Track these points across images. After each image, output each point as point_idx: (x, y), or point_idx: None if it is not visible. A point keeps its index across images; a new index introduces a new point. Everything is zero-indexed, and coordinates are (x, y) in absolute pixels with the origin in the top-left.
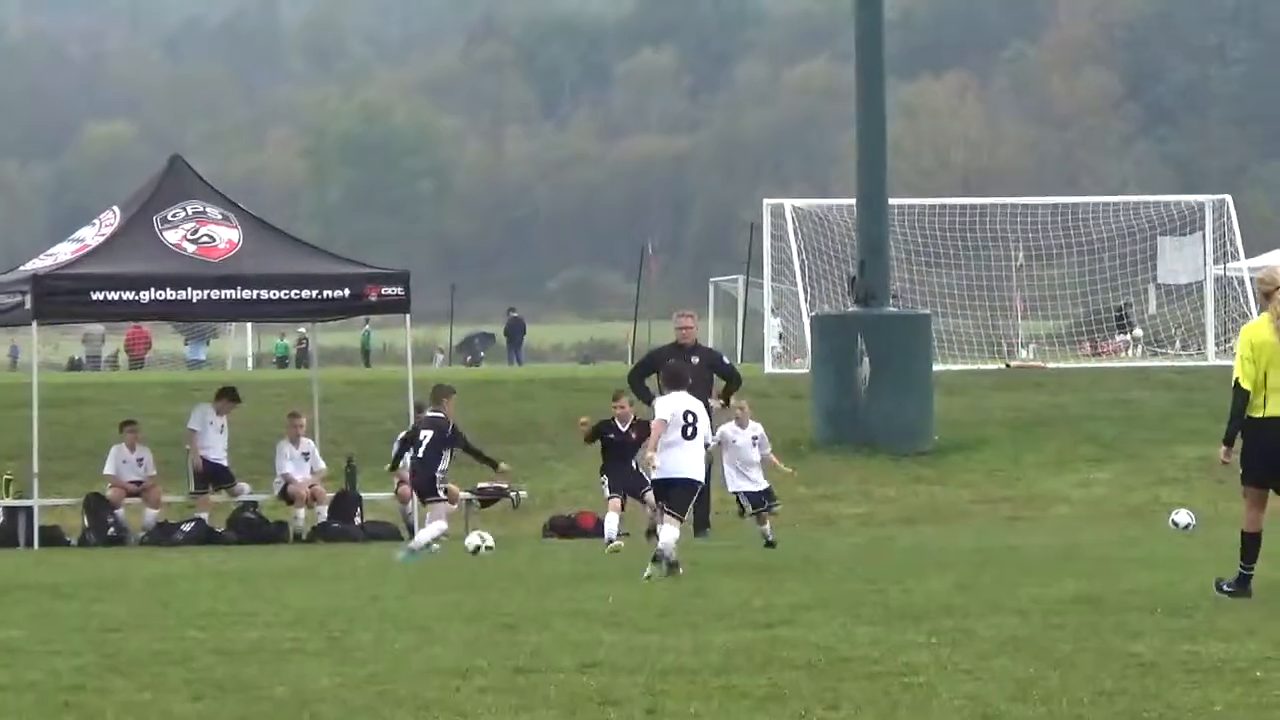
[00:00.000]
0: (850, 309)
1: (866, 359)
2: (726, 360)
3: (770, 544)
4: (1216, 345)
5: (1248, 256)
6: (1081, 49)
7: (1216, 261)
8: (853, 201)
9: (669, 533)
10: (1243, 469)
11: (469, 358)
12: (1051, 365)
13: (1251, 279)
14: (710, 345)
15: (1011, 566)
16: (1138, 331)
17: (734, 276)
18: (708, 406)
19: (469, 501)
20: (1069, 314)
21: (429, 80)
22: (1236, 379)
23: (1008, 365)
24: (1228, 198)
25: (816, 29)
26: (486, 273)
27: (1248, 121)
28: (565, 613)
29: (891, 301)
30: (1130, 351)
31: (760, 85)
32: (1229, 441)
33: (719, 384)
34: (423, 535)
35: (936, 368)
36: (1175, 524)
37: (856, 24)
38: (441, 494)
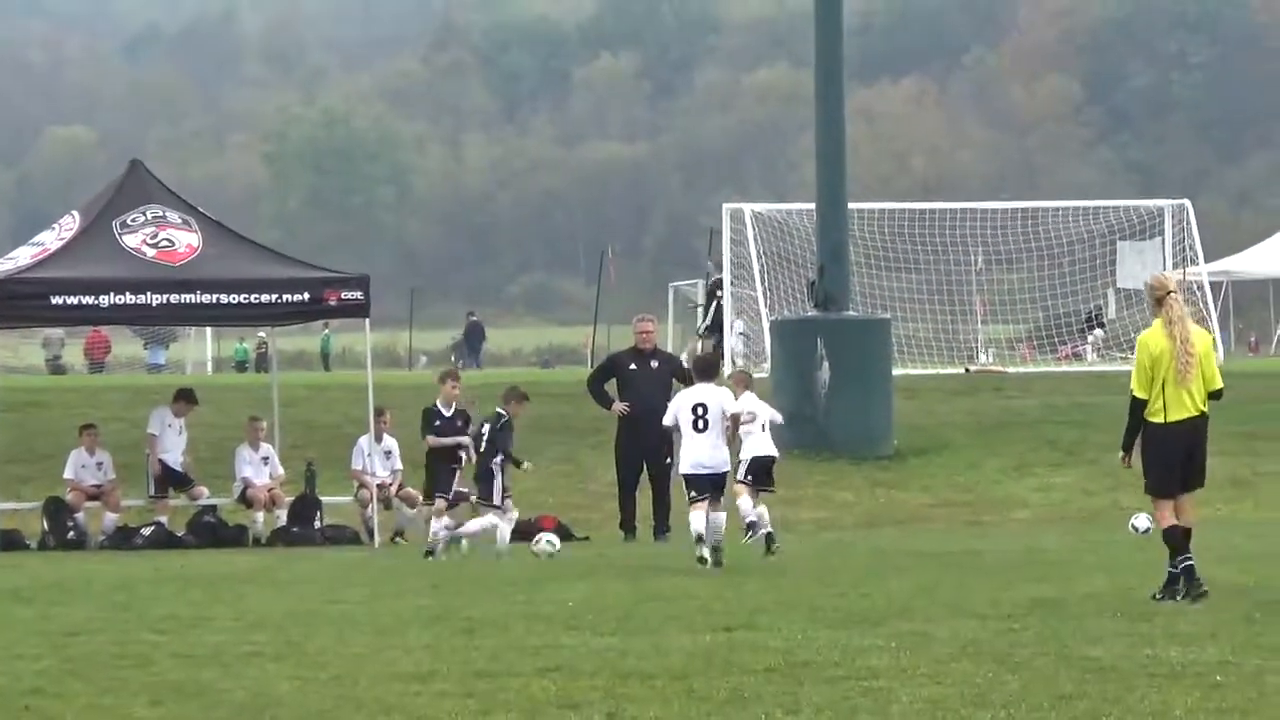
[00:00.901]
0: (810, 313)
1: (826, 363)
2: (686, 365)
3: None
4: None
5: (1207, 261)
6: (1042, 54)
7: (1176, 266)
8: (812, 206)
9: (698, 519)
10: (1147, 477)
11: (460, 361)
12: (1012, 370)
13: (1212, 284)
14: (670, 350)
15: (971, 570)
16: (1098, 332)
17: (694, 281)
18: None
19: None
20: (1029, 318)
21: (390, 86)
22: (1132, 388)
23: (968, 370)
24: (1187, 203)
25: (776, 35)
26: (446, 277)
27: (1208, 126)
28: (525, 616)
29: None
30: (1094, 355)
31: (720, 91)
32: (1127, 449)
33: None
34: (501, 532)
35: (896, 372)
36: (1135, 528)
37: (816, 29)
38: (496, 500)
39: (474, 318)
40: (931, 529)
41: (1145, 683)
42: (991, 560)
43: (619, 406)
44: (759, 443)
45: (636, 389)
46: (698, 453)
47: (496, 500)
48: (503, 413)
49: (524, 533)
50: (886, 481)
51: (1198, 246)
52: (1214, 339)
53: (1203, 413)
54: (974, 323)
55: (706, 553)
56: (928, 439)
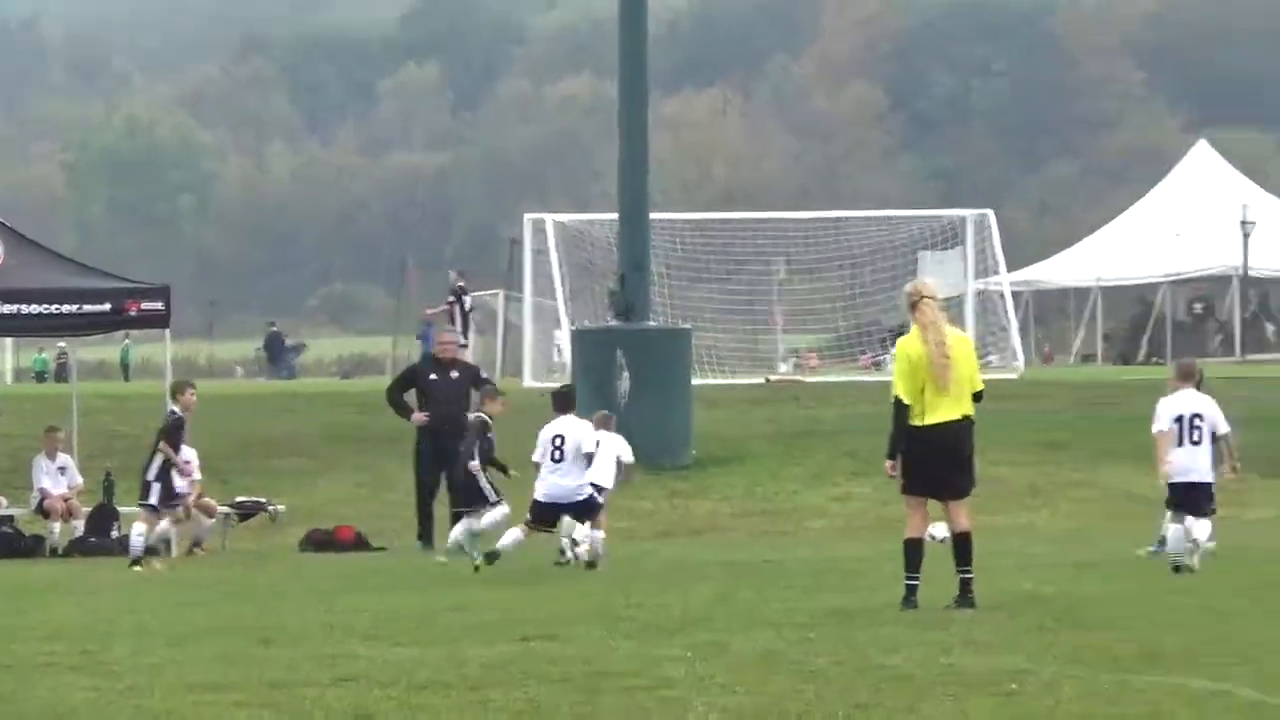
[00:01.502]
0: (610, 323)
1: (626, 373)
2: (484, 375)
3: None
4: (977, 359)
5: (1009, 270)
6: (845, 62)
7: (978, 275)
8: (614, 216)
9: (511, 534)
10: (904, 478)
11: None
12: (811, 379)
13: (1013, 293)
14: (470, 360)
15: (769, 580)
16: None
17: (495, 291)
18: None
19: (227, 515)
20: (830, 327)
21: (192, 95)
22: (896, 394)
23: (768, 380)
24: (989, 212)
25: (579, 45)
26: (247, 288)
27: (1010, 135)
28: (322, 626)
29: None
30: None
31: (523, 101)
32: (892, 455)
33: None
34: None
35: (696, 382)
36: (933, 537)
37: (619, 39)
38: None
39: (274, 328)
40: (730, 538)
41: (942, 691)
42: (789, 569)
43: (418, 417)
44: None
45: (436, 399)
46: (549, 483)
47: (492, 498)
48: (484, 416)
49: (319, 542)
50: (685, 491)
51: (999, 256)
52: (1014, 349)
53: (965, 416)
54: (775, 333)
55: (478, 558)
56: (727, 449)
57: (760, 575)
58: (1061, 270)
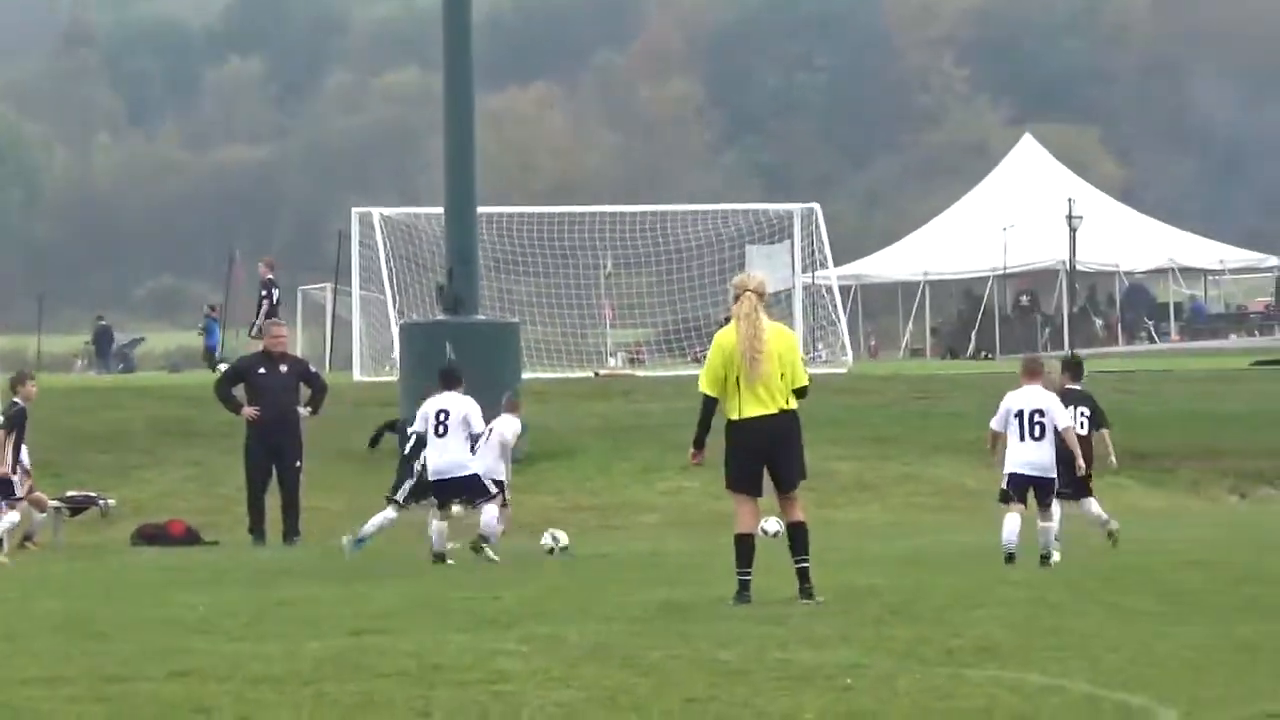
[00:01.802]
0: (438, 317)
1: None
2: (314, 369)
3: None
4: (805, 353)
5: (836, 265)
6: (669, 57)
7: (805, 270)
8: (441, 210)
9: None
10: (728, 474)
11: (120, 365)
12: (641, 373)
13: (841, 287)
14: (299, 354)
15: (602, 574)
16: None
17: (322, 285)
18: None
19: (58, 510)
20: (658, 322)
21: (15, 87)
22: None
23: (597, 374)
24: (816, 206)
25: (405, 37)
26: (75, 281)
27: (835, 130)
28: (155, 621)
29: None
30: None
31: (349, 93)
32: (696, 445)
33: (306, 392)
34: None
35: (526, 376)
36: (764, 531)
37: (444, 32)
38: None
39: (103, 322)
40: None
41: (776, 685)
42: (622, 563)
43: (248, 411)
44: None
45: (266, 393)
46: (436, 458)
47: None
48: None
49: (151, 537)
50: (516, 485)
51: (826, 250)
52: (843, 343)
53: (783, 410)
54: (603, 326)
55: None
56: (557, 443)
57: (592, 569)
58: (889, 264)
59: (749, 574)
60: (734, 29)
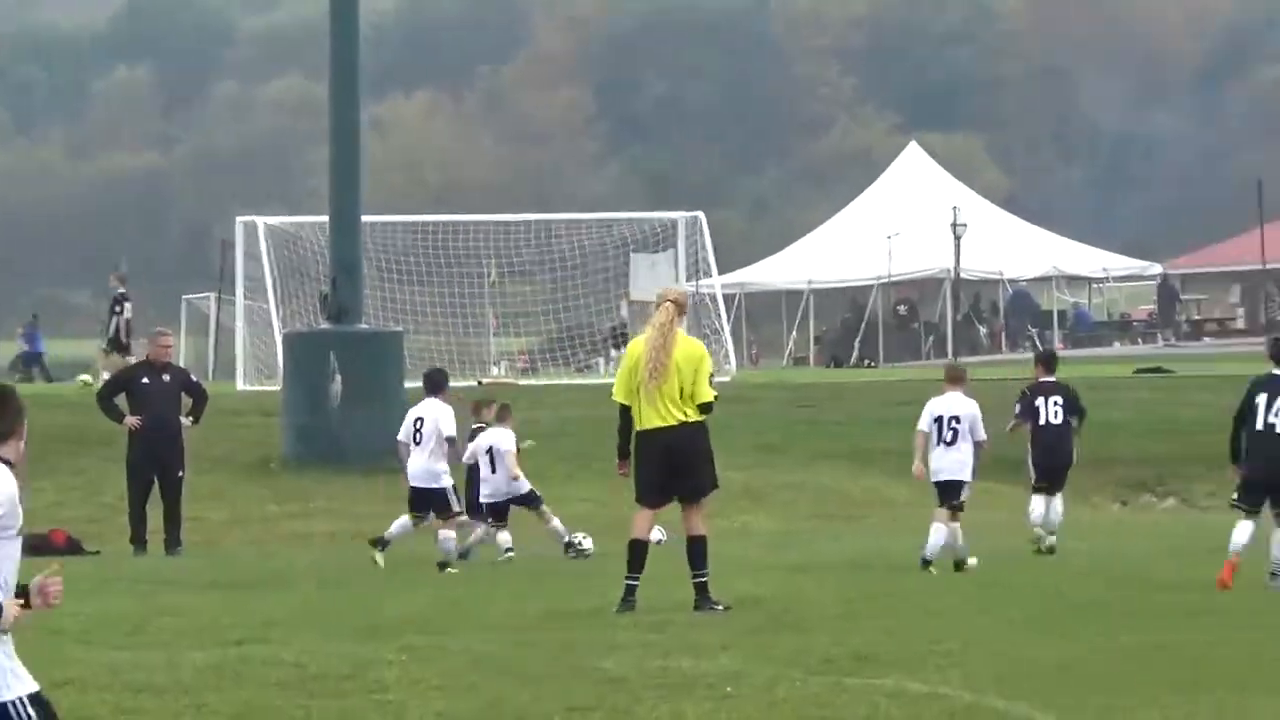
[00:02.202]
0: (322, 326)
1: (339, 376)
2: (195, 378)
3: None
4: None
5: (721, 273)
6: (556, 65)
7: (689, 278)
8: (326, 219)
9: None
10: (636, 484)
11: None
12: (525, 382)
13: (725, 295)
14: (182, 363)
15: (484, 583)
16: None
17: (206, 294)
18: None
19: None
20: (544, 330)
21: None
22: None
23: (480, 382)
24: (700, 214)
25: (291, 46)
26: None
27: (721, 138)
28: (36, 629)
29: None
30: (606, 369)
31: (234, 102)
32: (620, 455)
33: (188, 402)
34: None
35: (410, 384)
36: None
37: (331, 41)
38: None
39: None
40: None
41: (657, 694)
42: (504, 572)
43: (130, 420)
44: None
45: (148, 402)
46: (413, 466)
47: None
48: (480, 426)
49: (32, 546)
50: (399, 494)
51: (711, 258)
52: (727, 351)
53: (683, 422)
54: (487, 335)
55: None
56: None
57: (477, 578)
58: (774, 273)
59: (636, 580)
60: (621, 37)
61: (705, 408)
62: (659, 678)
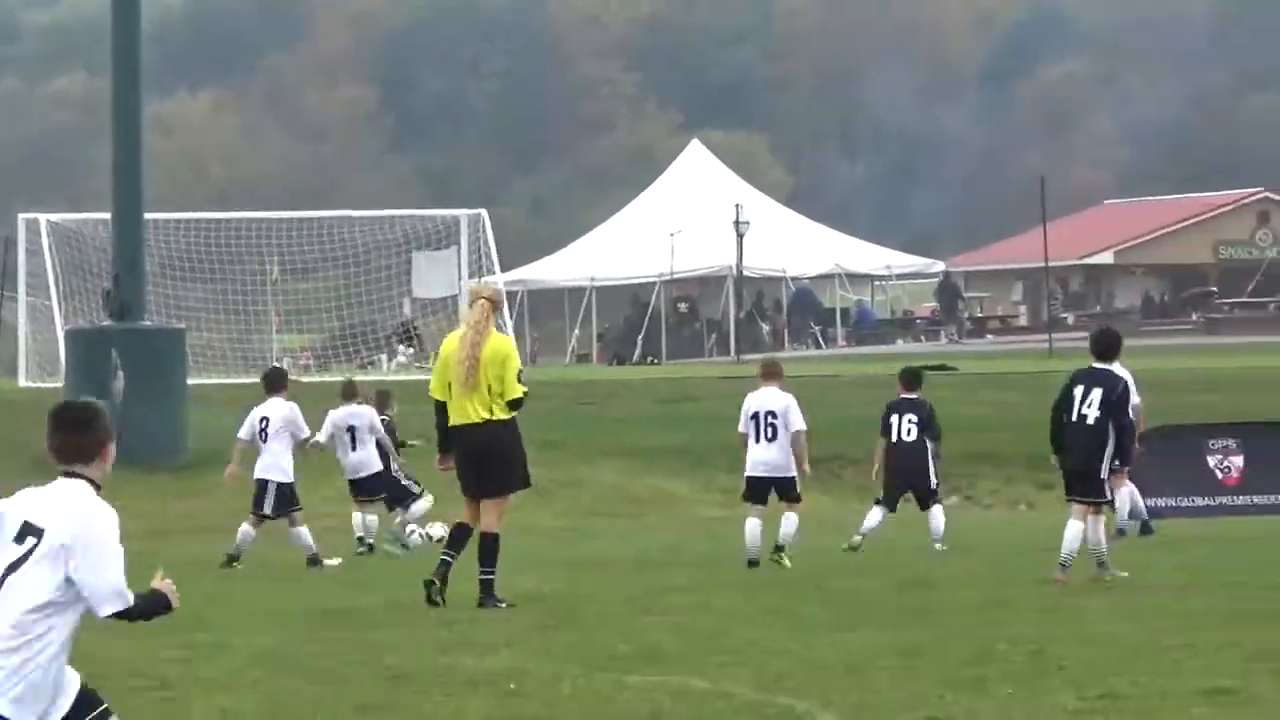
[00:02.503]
0: (105, 323)
1: (121, 373)
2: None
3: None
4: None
5: (504, 270)
6: (338, 62)
7: (472, 275)
8: (109, 216)
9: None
10: (458, 476)
11: None
12: (307, 379)
13: (508, 292)
14: None
15: (267, 579)
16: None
17: None
18: None
19: None
20: (325, 328)
21: None
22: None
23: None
24: (483, 212)
25: (72, 42)
26: None
27: (502, 135)
28: None
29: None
30: (388, 366)
31: (15, 99)
32: (441, 449)
33: None
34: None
35: (193, 381)
36: (429, 536)
37: (113, 38)
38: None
39: None
40: (227, 537)
41: (441, 691)
42: (288, 568)
43: None
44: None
45: None
46: (260, 461)
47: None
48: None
49: None
50: (182, 490)
51: (494, 256)
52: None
53: (488, 420)
54: (269, 333)
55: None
56: (223, 448)
57: (259, 575)
58: (556, 270)
59: (452, 556)
60: (403, 34)
61: (514, 404)
62: (444, 675)
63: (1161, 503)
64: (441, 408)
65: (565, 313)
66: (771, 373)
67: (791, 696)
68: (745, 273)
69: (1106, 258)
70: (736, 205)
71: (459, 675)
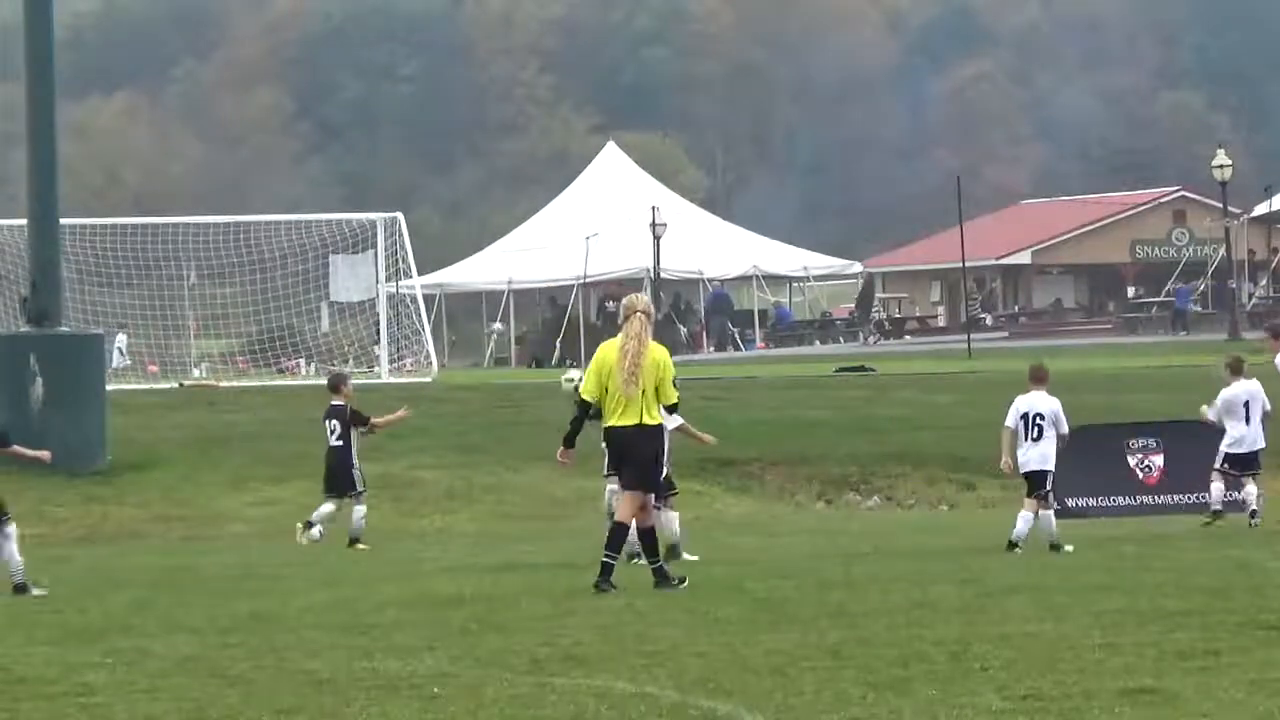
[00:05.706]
0: (22, 329)
1: (39, 379)
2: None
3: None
4: (390, 362)
5: (420, 274)
6: (253, 66)
7: (389, 279)
8: (24, 221)
9: None
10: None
11: None
12: (224, 384)
13: (425, 296)
14: None
15: (188, 586)
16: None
17: None
18: None
19: None
20: (243, 332)
21: None
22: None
23: (181, 384)
24: (399, 215)
25: None
26: None
27: (417, 139)
28: None
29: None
30: (306, 370)
31: None
32: (565, 443)
33: None
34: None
35: (110, 387)
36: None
37: (25, 44)
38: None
39: None
40: (148, 544)
41: (364, 695)
42: (208, 575)
43: None
44: None
45: None
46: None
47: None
48: (339, 403)
49: None
50: (101, 497)
51: (410, 259)
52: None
53: (640, 425)
54: (188, 338)
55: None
56: (143, 454)
57: (179, 581)
58: (473, 272)
59: (614, 558)
60: (318, 39)
61: (671, 407)
62: (366, 679)
63: (1083, 502)
64: (585, 407)
65: (483, 315)
66: (1039, 376)
67: (716, 698)
68: (663, 275)
69: (1024, 258)
70: (653, 208)
71: (381, 679)
